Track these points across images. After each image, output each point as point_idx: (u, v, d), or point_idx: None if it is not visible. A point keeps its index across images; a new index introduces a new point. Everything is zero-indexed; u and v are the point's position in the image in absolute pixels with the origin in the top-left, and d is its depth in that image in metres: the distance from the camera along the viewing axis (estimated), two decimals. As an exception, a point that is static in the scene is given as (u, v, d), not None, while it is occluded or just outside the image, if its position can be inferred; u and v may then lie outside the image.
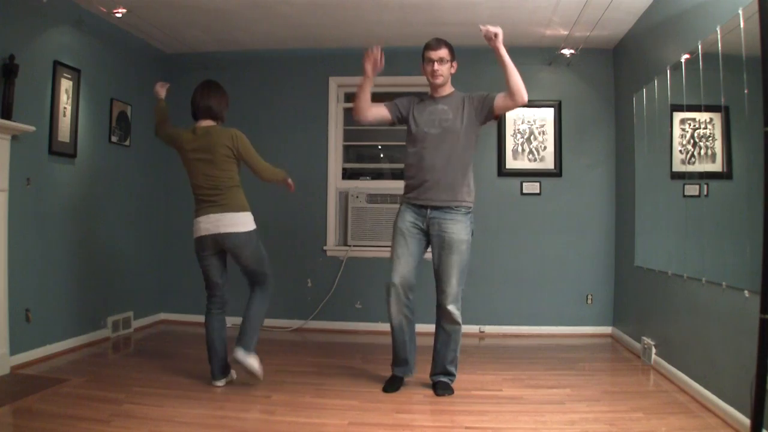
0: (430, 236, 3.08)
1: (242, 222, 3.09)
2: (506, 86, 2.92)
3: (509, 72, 2.88)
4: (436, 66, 3.04)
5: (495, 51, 2.87)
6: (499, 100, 3.00)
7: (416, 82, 4.61)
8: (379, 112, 3.15)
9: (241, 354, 3.03)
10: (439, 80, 3.07)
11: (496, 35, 2.82)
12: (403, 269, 3.05)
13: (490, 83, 4.48)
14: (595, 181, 4.74)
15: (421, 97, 3.20)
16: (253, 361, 3.07)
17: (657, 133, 3.58)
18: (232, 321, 3.38)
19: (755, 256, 2.18)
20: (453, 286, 3.01)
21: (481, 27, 2.84)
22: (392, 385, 3.15)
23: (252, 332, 3.08)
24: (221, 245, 3.10)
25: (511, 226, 4.74)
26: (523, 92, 2.91)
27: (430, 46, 3.07)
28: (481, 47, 2.88)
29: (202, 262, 3.17)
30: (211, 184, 3.08)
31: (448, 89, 3.14)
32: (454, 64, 3.11)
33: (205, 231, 3.07)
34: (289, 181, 3.33)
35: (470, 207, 3.09)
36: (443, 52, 3.05)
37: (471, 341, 4.42)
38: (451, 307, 3.01)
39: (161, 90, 3.39)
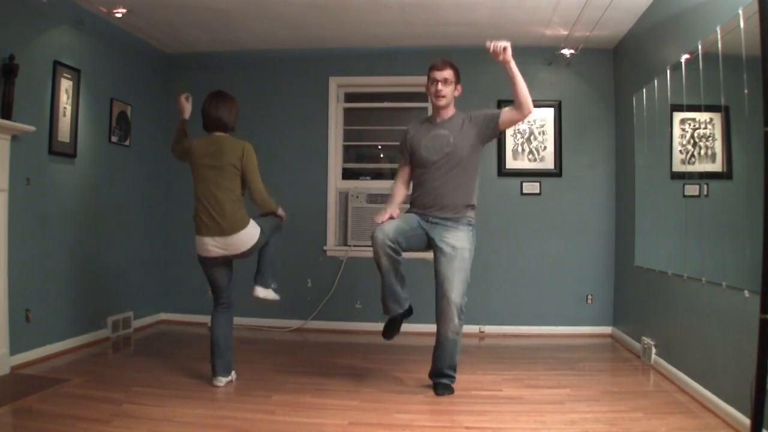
0: (431, 240, 3.04)
1: (250, 236, 3.10)
2: (514, 98, 2.90)
3: (518, 85, 2.85)
4: (440, 86, 2.99)
5: (505, 65, 2.82)
6: (505, 114, 2.98)
7: (416, 82, 4.62)
8: (407, 177, 3.19)
9: (261, 292, 3.23)
10: (442, 102, 3.02)
11: (504, 49, 2.76)
12: (388, 227, 2.91)
13: (490, 83, 4.53)
14: (595, 181, 4.74)
15: (421, 121, 3.16)
16: (269, 294, 3.26)
17: (657, 133, 3.58)
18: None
19: (755, 256, 2.18)
20: (457, 293, 2.93)
21: (488, 44, 2.77)
22: (392, 327, 3.09)
23: (266, 269, 3.25)
24: (231, 258, 3.16)
25: (511, 226, 4.74)
26: (530, 104, 2.90)
27: (435, 66, 3.02)
28: (481, 47, 2.86)
29: (208, 271, 3.20)
30: (214, 195, 3.06)
31: (450, 112, 3.10)
32: (459, 87, 3.07)
33: (215, 253, 3.10)
34: (280, 212, 3.34)
35: (472, 221, 3.07)
36: (448, 73, 3.00)
37: (471, 341, 4.42)
38: (455, 317, 2.95)
39: (186, 105, 3.29)
